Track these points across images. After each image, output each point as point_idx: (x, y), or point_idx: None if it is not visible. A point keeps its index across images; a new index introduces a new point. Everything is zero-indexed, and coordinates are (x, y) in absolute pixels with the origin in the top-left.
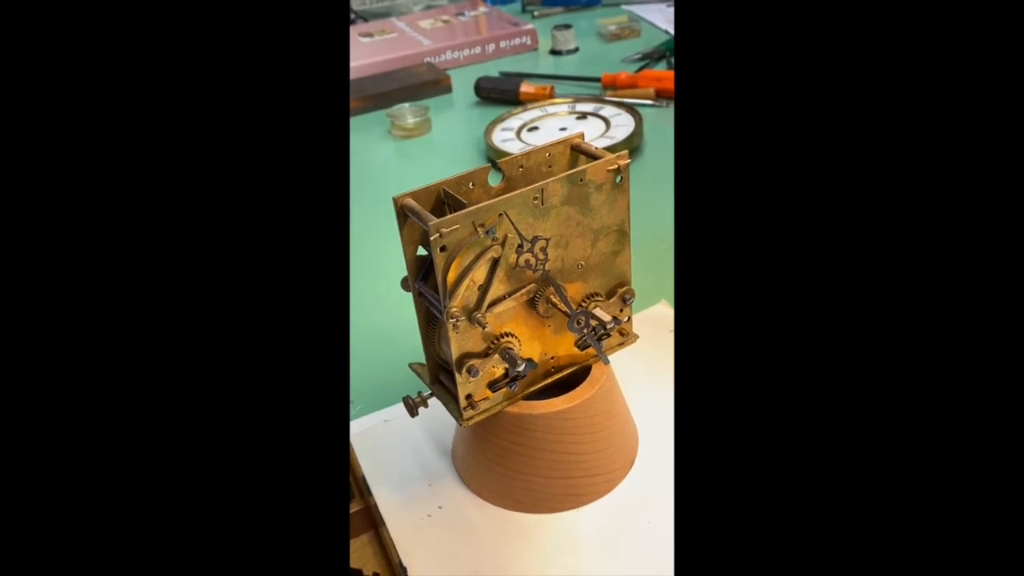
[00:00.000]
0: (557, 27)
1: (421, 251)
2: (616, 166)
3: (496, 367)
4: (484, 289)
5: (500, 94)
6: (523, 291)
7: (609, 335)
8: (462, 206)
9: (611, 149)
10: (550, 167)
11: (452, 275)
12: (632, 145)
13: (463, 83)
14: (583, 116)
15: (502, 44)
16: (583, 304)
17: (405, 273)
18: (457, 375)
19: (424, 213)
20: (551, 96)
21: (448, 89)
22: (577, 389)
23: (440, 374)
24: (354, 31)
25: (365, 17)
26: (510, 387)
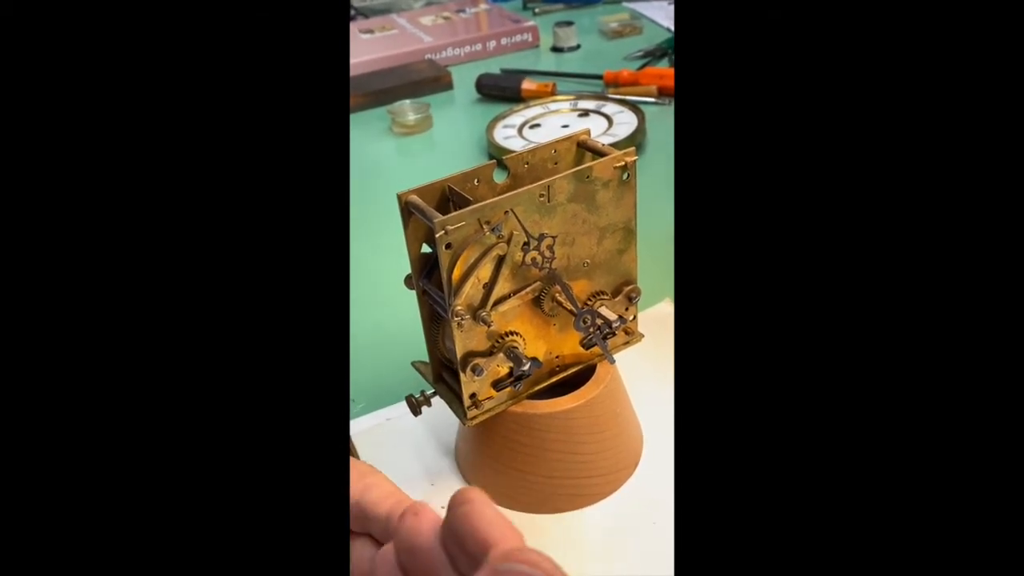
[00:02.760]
0: (558, 24)
1: (425, 248)
2: (623, 163)
3: (500, 366)
4: (489, 287)
5: (501, 91)
6: (528, 289)
7: (614, 334)
8: (467, 203)
9: (614, 147)
10: (556, 164)
11: (457, 273)
12: (635, 143)
13: (464, 80)
14: (585, 113)
15: (503, 41)
16: (589, 303)
17: (408, 270)
18: (461, 374)
19: (429, 210)
20: (553, 93)
21: (449, 86)
22: (582, 388)
23: (443, 373)
24: (355, 27)
25: (366, 13)
26: (514, 386)
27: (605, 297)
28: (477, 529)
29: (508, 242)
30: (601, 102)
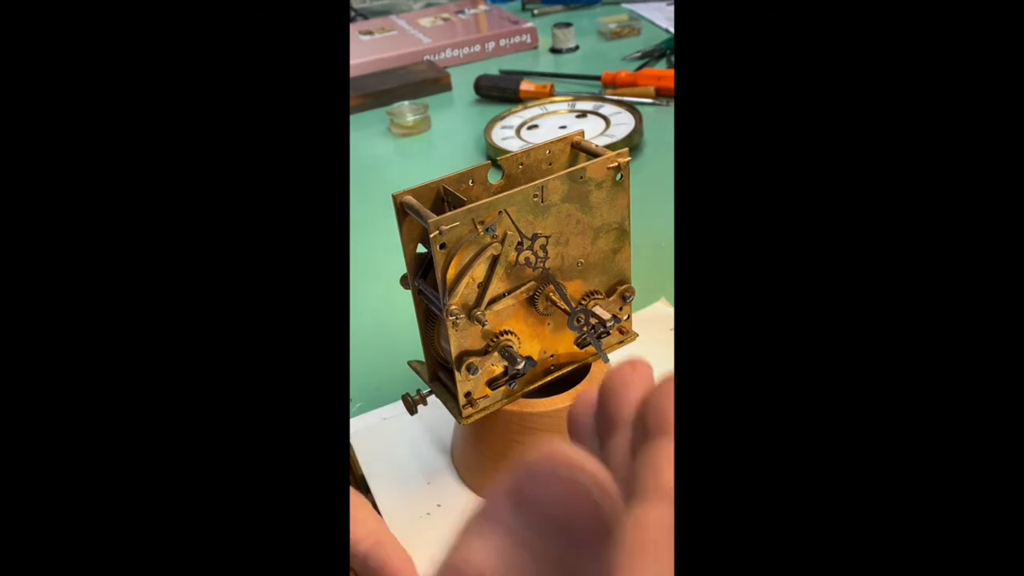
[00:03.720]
0: (557, 25)
1: (421, 248)
2: (616, 164)
3: (495, 365)
4: (484, 287)
5: (500, 92)
6: (523, 289)
7: (609, 333)
8: (462, 203)
9: (611, 147)
10: (550, 165)
11: (452, 272)
12: (632, 143)
13: (463, 81)
14: (583, 114)
15: (502, 42)
16: (583, 302)
17: (404, 271)
18: (456, 373)
19: (424, 210)
20: (551, 94)
21: (448, 87)
22: (577, 387)
23: (439, 372)
24: (354, 29)
25: (365, 15)
26: (509, 385)
27: (599, 297)
28: (665, 413)
29: (502, 242)
30: (599, 103)
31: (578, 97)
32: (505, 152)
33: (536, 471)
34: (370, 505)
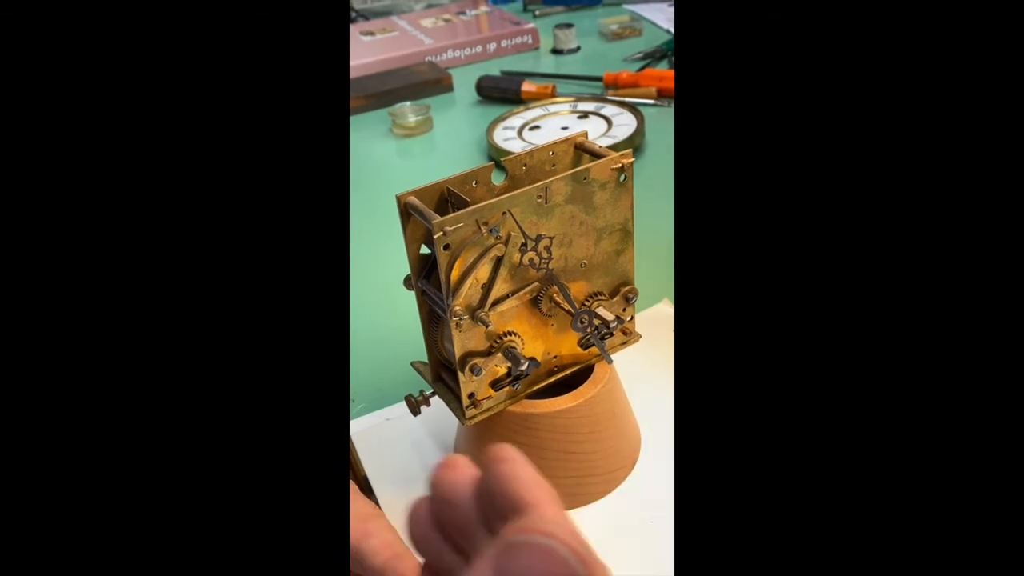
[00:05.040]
0: (559, 26)
1: (424, 249)
2: (620, 165)
3: (499, 366)
4: (487, 287)
5: (502, 93)
6: (526, 290)
7: (612, 334)
8: (466, 204)
9: (613, 148)
10: (554, 166)
11: (455, 273)
12: (634, 144)
13: (464, 82)
14: (585, 115)
15: (503, 43)
16: (586, 303)
17: (407, 271)
18: (460, 374)
19: (428, 211)
20: (553, 95)
21: (449, 88)
22: (580, 388)
23: (442, 373)
24: (355, 30)
25: (366, 16)
26: (513, 386)
27: (602, 298)
28: (513, 490)
29: (506, 243)
30: (601, 104)
31: (580, 98)
32: (507, 153)
33: (513, 542)
34: (386, 517)
